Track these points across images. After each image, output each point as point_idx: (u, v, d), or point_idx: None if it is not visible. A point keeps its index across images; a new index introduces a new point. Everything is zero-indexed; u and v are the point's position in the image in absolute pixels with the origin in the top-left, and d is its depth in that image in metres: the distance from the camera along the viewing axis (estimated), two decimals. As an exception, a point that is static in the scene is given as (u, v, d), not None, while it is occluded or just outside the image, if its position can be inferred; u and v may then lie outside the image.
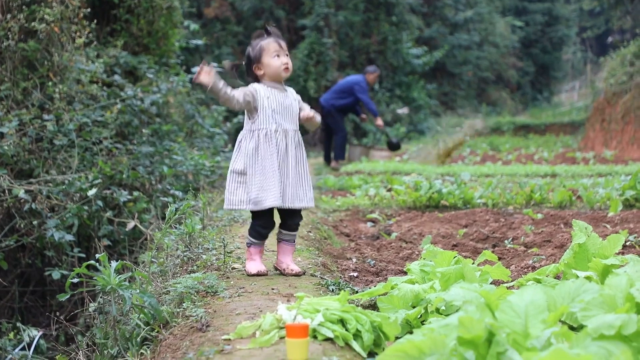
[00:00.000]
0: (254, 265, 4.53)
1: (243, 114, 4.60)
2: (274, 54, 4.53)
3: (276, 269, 4.62)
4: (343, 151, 16.33)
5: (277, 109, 4.51)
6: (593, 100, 25.48)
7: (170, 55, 12.24)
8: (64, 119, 8.42)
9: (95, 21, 9.71)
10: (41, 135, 8.25)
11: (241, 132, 4.57)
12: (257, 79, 4.62)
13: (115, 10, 11.22)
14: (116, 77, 9.96)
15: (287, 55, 4.59)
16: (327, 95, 16.05)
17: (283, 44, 4.59)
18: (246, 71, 4.67)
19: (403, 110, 27.59)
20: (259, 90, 4.52)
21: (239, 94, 4.43)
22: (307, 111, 4.59)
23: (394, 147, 16.51)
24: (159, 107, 10.51)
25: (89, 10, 9.43)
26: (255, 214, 4.55)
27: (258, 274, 4.47)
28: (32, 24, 8.54)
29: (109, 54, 10.53)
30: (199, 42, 14.94)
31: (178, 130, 10.88)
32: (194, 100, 12.27)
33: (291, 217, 4.62)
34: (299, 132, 4.62)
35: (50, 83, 8.58)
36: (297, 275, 4.52)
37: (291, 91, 4.68)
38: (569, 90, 57.20)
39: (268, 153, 4.44)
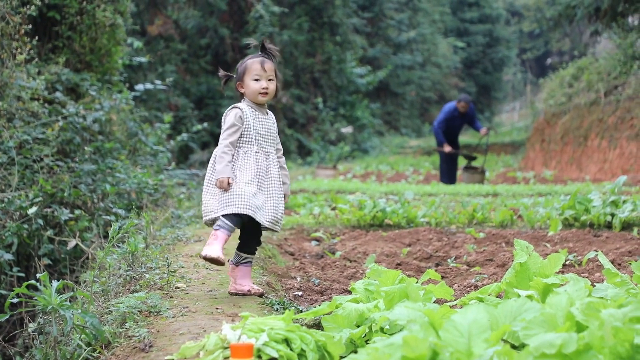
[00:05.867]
0: (216, 249, 4.26)
1: (212, 146, 4.49)
2: (254, 76, 4.49)
3: (235, 294, 4.47)
4: (443, 176, 16.38)
5: (261, 132, 4.49)
6: (533, 121, 25.94)
7: (113, 73, 12.15)
8: (4, 136, 8.28)
9: (36, 38, 9.60)
10: (-20, 153, 8.10)
11: (218, 147, 4.49)
12: (241, 95, 4.58)
13: (57, 27, 11.11)
14: (58, 94, 9.84)
15: (270, 79, 4.51)
16: None
17: (268, 66, 4.51)
18: (234, 84, 4.62)
19: (347, 130, 27.75)
20: (245, 111, 4.48)
21: (231, 146, 4.40)
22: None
23: (471, 170, 16.42)
24: (102, 124, 10.41)
25: (30, 26, 9.32)
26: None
27: (217, 261, 4.25)
28: (-28, 39, 8.42)
29: (50, 70, 10.41)
30: (143, 59, 14.90)
31: (121, 148, 10.79)
32: (137, 118, 12.18)
33: (256, 239, 4.55)
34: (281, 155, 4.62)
35: (-11, 99, 8.45)
36: (261, 295, 4.49)
37: (271, 114, 4.64)
38: (510, 111, 58.18)
39: (245, 166, 4.40)
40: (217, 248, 4.29)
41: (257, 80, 4.49)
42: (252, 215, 4.34)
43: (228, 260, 4.58)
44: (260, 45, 4.61)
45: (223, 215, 4.34)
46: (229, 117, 4.48)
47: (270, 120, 4.60)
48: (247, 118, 4.46)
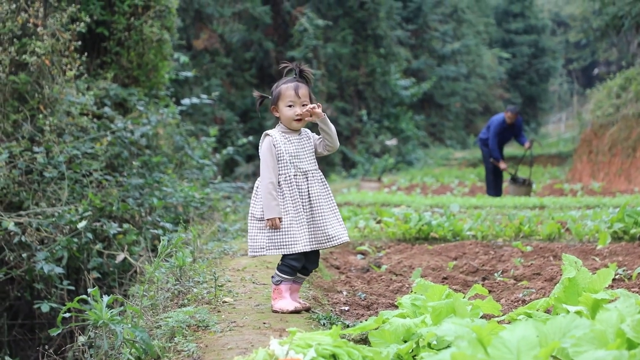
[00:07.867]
0: (288, 302, 4.41)
1: (257, 159, 4.52)
2: (288, 102, 4.46)
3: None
4: (489, 188, 15.98)
5: (294, 153, 4.47)
6: (580, 132, 25.65)
7: (160, 87, 12.29)
8: (54, 151, 8.43)
9: (85, 54, 9.76)
10: (31, 168, 8.25)
11: (259, 178, 4.49)
12: (277, 119, 4.57)
13: (106, 42, 11.28)
14: (106, 109, 9.98)
15: (304, 104, 4.46)
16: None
17: (302, 92, 4.46)
18: (270, 106, 4.62)
19: (391, 142, 27.68)
20: (275, 137, 4.47)
21: (273, 181, 4.40)
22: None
23: (518, 183, 15.79)
24: (149, 138, 10.54)
25: (79, 43, 9.48)
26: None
27: (296, 311, 4.38)
28: (23, 56, 8.59)
29: (99, 86, 10.56)
30: (189, 74, 15.02)
31: (167, 161, 10.90)
32: (183, 132, 12.30)
33: (312, 261, 4.58)
34: (319, 170, 4.59)
35: (40, 115, 8.60)
36: (308, 310, 4.51)
37: (305, 131, 4.62)
38: (556, 122, 57.56)
39: (289, 196, 4.41)
40: (289, 300, 4.44)
41: (290, 106, 4.46)
42: (310, 249, 4.42)
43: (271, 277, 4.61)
44: (298, 70, 4.56)
45: (279, 267, 4.45)
46: (263, 148, 4.48)
47: (303, 138, 4.56)
48: (278, 144, 4.45)
